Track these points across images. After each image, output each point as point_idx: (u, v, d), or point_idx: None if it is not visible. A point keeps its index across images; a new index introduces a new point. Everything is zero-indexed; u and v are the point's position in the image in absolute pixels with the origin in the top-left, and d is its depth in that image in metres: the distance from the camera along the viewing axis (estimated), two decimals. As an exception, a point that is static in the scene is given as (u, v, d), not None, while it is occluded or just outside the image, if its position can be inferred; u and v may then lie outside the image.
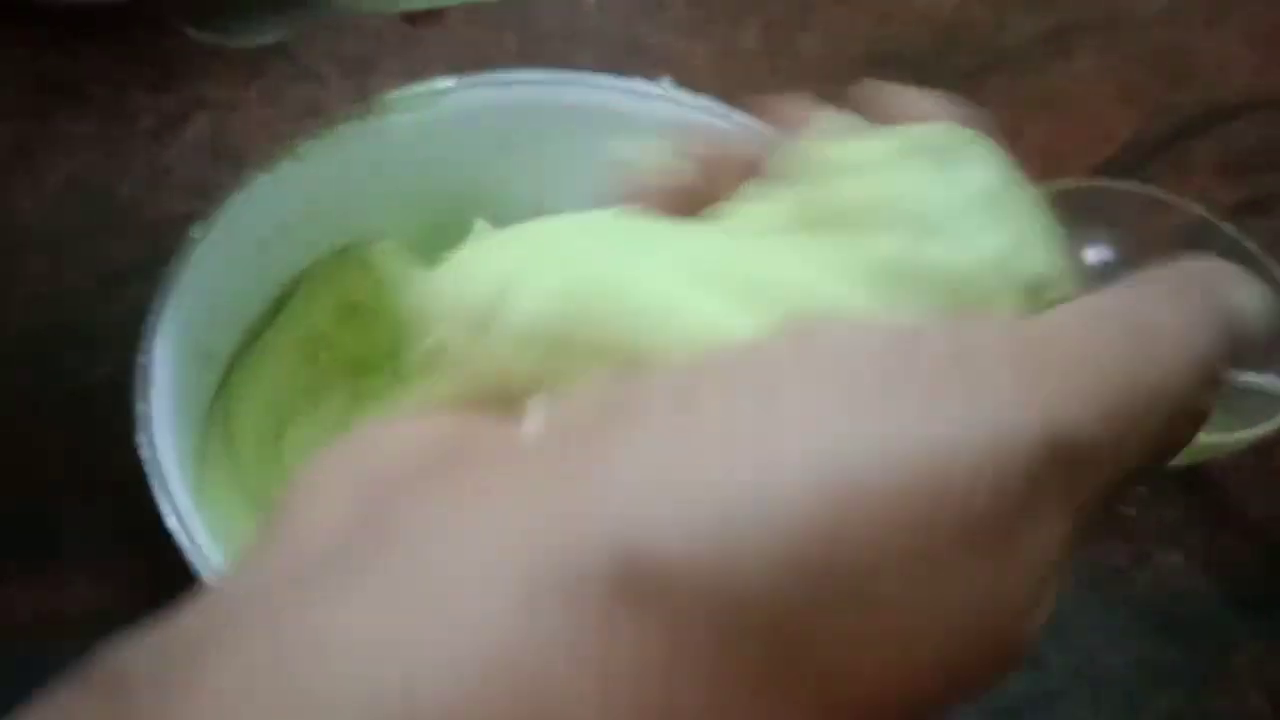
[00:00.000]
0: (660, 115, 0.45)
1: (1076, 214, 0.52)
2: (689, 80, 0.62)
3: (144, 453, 0.34)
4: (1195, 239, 0.51)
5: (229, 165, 0.54)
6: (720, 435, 0.14)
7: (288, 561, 0.15)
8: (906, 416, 0.14)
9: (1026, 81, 0.66)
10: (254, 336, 0.43)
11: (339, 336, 0.43)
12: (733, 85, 0.62)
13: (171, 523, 0.32)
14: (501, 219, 0.45)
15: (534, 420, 0.15)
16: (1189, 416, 0.17)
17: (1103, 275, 0.53)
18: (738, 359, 0.15)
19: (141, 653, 0.14)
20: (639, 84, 0.45)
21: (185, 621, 0.14)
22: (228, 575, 0.18)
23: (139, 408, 0.35)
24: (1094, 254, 0.53)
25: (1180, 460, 0.36)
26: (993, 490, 0.14)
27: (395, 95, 0.43)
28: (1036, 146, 0.62)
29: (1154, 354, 0.16)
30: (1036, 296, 0.20)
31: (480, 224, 0.45)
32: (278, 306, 0.44)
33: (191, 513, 0.33)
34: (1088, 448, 0.15)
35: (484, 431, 0.16)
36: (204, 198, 0.52)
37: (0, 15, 0.59)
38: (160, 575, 0.40)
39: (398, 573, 0.13)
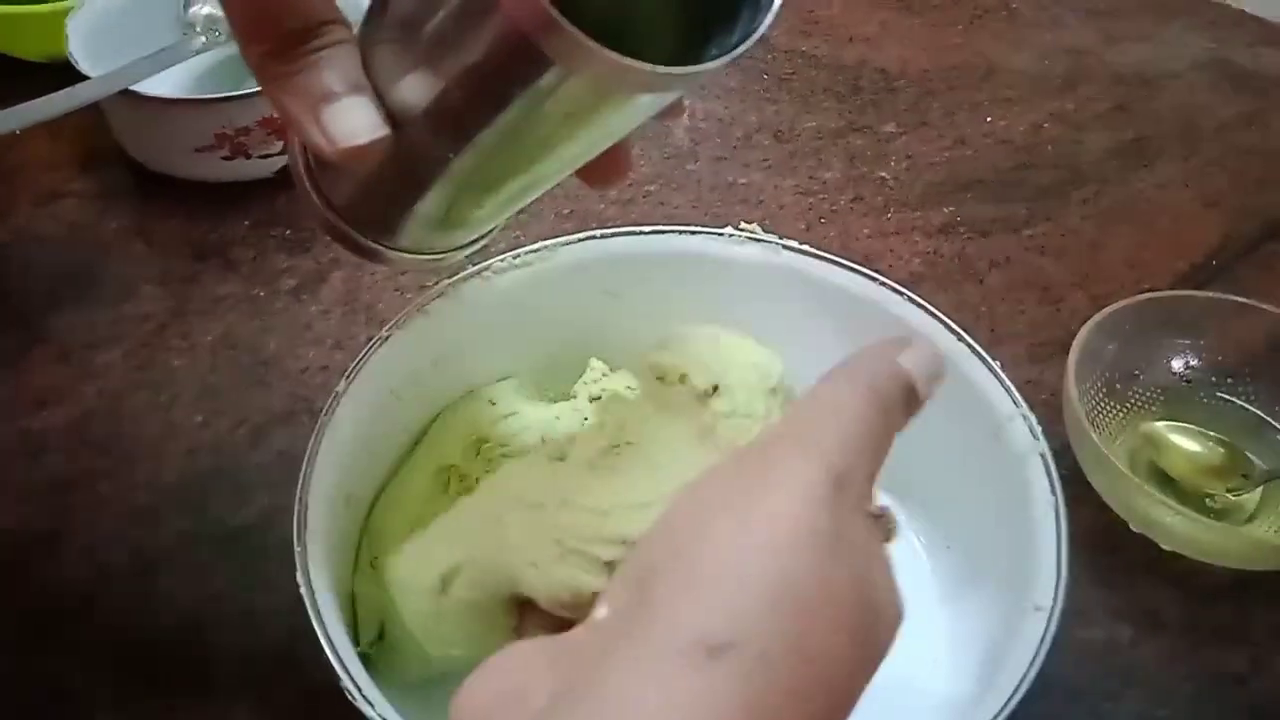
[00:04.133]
0: (749, 258, 0.48)
1: (1162, 324, 0.53)
2: (776, 214, 0.66)
3: (303, 590, 0.36)
4: (1282, 343, 0.52)
5: (363, 319, 0.59)
6: (712, 576, 0.23)
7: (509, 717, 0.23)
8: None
9: (1107, 194, 0.68)
10: (392, 474, 0.46)
11: (468, 467, 0.46)
12: (819, 218, 0.66)
13: (330, 655, 0.35)
14: (610, 354, 0.49)
15: (601, 612, 0.25)
16: (887, 435, 0.27)
17: (1191, 383, 0.54)
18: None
19: None
20: (728, 231, 0.48)
21: None
22: None
23: (297, 549, 0.37)
24: (1180, 362, 0.54)
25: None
26: (824, 512, 0.24)
27: (510, 255, 0.47)
28: (1121, 258, 0.64)
29: (849, 414, 0.27)
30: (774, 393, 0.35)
31: (594, 361, 0.49)
32: (412, 446, 0.47)
33: (347, 646, 0.36)
34: (846, 471, 0.25)
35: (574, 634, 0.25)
36: (341, 350, 0.57)
37: (157, 190, 0.66)
38: (315, 704, 0.43)
39: (593, 704, 0.22)
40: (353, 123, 0.29)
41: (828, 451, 0.25)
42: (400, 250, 0.36)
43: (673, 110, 0.32)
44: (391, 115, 0.29)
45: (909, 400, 0.28)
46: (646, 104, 0.28)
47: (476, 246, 0.38)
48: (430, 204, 0.33)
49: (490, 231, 0.38)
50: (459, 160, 0.30)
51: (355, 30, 0.30)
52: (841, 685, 0.23)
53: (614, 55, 0.24)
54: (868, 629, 0.24)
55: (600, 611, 0.24)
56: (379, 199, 0.34)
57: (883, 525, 0.29)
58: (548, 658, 0.24)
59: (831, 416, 0.26)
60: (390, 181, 0.32)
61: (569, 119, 0.28)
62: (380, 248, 0.35)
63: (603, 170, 0.34)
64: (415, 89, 0.29)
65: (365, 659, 0.41)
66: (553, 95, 0.26)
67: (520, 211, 0.38)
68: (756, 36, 0.27)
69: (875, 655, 0.25)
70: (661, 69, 0.25)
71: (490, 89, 0.27)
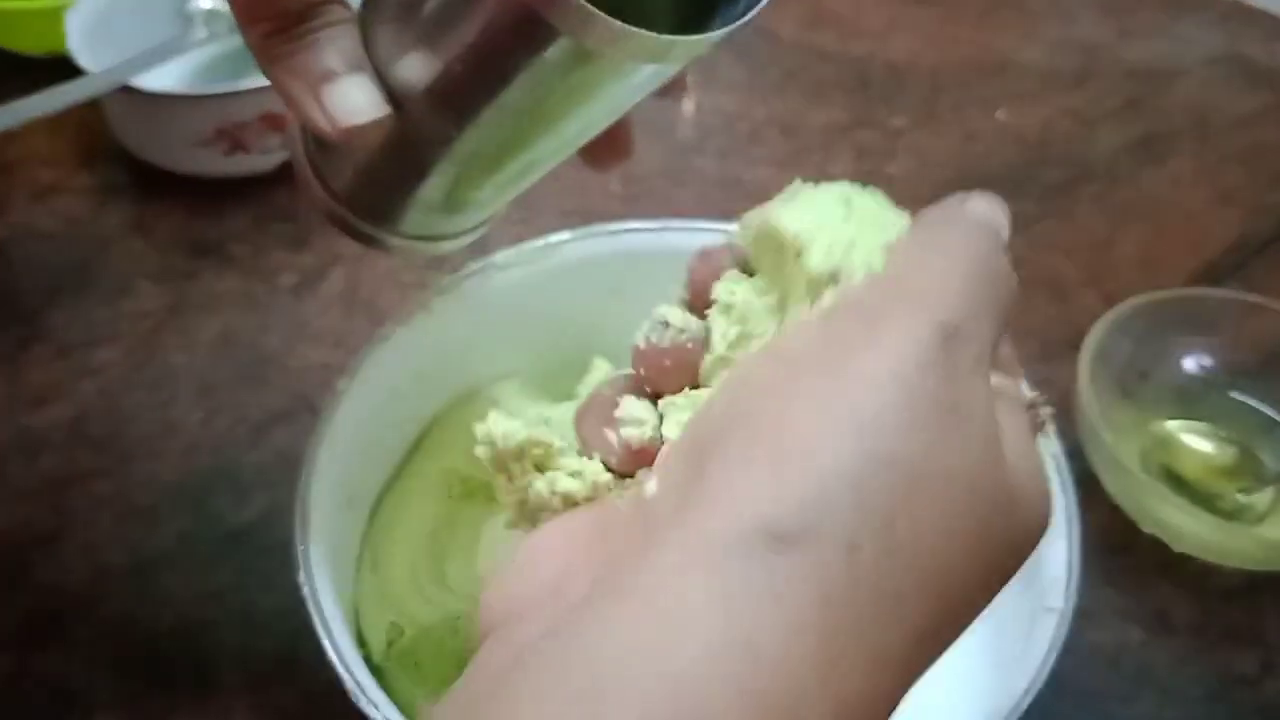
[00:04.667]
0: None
1: (1175, 323, 0.53)
2: (785, 210, 0.65)
3: (304, 590, 0.36)
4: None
5: (363, 316, 0.58)
6: (785, 449, 0.19)
7: (541, 615, 0.20)
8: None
9: (1119, 190, 0.67)
10: (394, 475, 0.46)
11: (471, 469, 0.46)
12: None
13: (331, 655, 0.34)
14: (615, 354, 0.48)
15: (651, 486, 0.21)
16: (1008, 285, 0.23)
17: (1204, 383, 0.53)
18: (758, 402, 0.21)
19: (449, 705, 0.19)
20: (734, 227, 0.48)
21: (473, 672, 0.20)
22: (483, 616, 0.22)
23: (298, 549, 0.37)
24: (1192, 361, 0.53)
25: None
26: (934, 374, 0.20)
27: (513, 251, 0.47)
28: (1132, 255, 0.63)
29: (962, 258, 0.22)
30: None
31: (598, 361, 0.48)
32: (414, 446, 0.47)
33: (349, 646, 0.35)
34: (962, 325, 0.21)
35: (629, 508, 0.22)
36: (341, 347, 0.57)
37: (155, 186, 0.65)
38: (315, 704, 0.43)
39: (631, 602, 0.19)
40: (354, 101, 0.29)
41: (937, 302, 0.21)
42: (401, 236, 0.35)
43: (675, 87, 0.31)
44: (392, 95, 0.29)
45: (1005, 252, 0.24)
46: (649, 76, 0.28)
47: (477, 234, 0.38)
48: (431, 186, 0.32)
49: (490, 218, 0.38)
50: (460, 139, 0.30)
51: (354, 10, 0.30)
52: (955, 586, 0.19)
53: (617, 23, 0.25)
54: (994, 519, 0.20)
55: (650, 485, 0.21)
56: (380, 183, 0.33)
57: (1031, 415, 0.23)
58: (587, 539, 0.21)
59: (939, 260, 0.22)
60: (391, 164, 0.32)
61: (571, 92, 0.28)
62: (381, 234, 0.35)
63: (605, 151, 0.34)
64: (416, 67, 0.28)
65: (377, 671, 0.40)
66: (555, 67, 0.26)
67: (521, 206, 0.37)
68: (760, 8, 0.27)
69: (1007, 553, 0.21)
70: (665, 37, 0.25)
71: (492, 63, 0.27)
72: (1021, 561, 0.21)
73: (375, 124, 0.29)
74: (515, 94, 0.27)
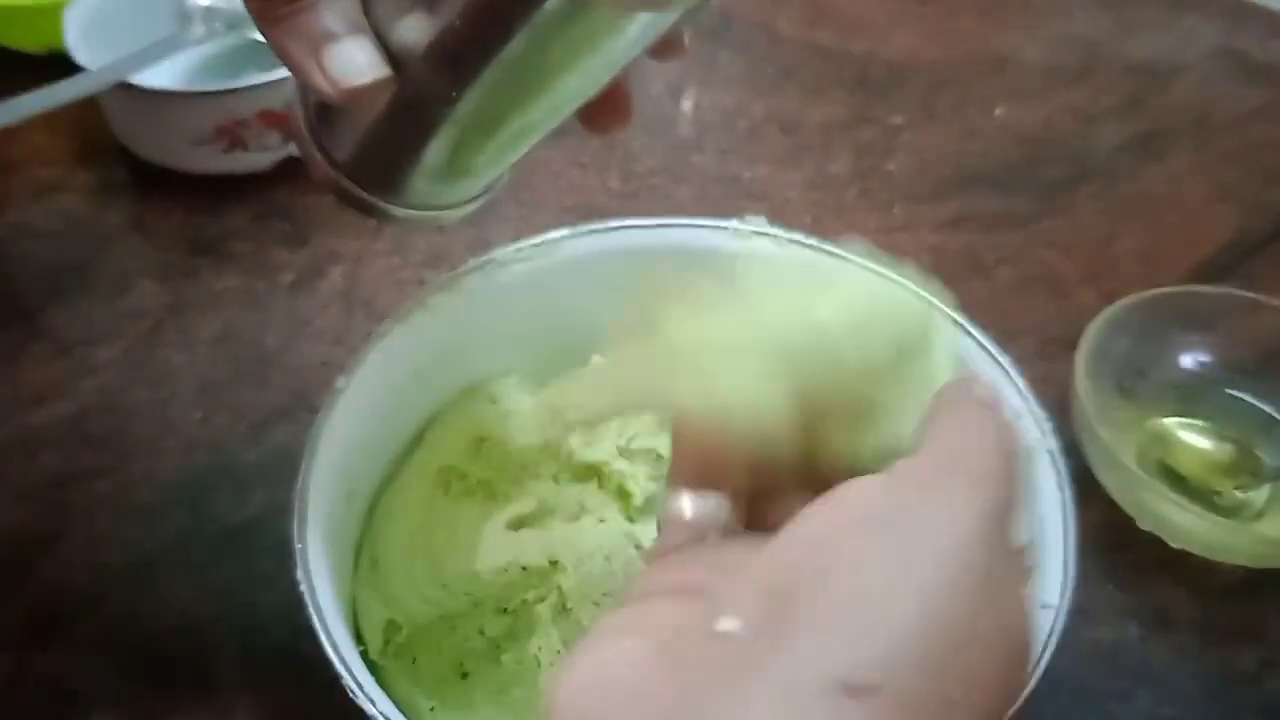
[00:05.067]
0: (755, 251, 0.48)
1: (1173, 320, 0.53)
2: (783, 208, 0.65)
3: (303, 588, 0.36)
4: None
5: (362, 313, 0.58)
6: (860, 610, 0.22)
7: None
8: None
9: (1118, 188, 0.67)
10: (393, 473, 0.46)
11: (469, 467, 0.46)
12: (825, 212, 0.65)
13: (329, 653, 0.34)
14: (611, 352, 0.48)
15: (729, 623, 0.23)
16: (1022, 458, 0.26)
17: (1202, 380, 0.53)
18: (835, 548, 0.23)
19: None
20: (734, 224, 0.48)
21: None
22: None
23: (296, 546, 0.37)
24: (1190, 359, 0.53)
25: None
26: (984, 549, 0.23)
27: (512, 248, 0.47)
28: (1131, 253, 0.63)
29: (994, 439, 0.25)
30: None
31: (596, 358, 0.48)
32: (413, 443, 0.47)
33: (348, 643, 0.35)
34: (1005, 503, 0.24)
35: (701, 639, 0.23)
36: (341, 345, 0.57)
37: (155, 184, 0.65)
38: (316, 701, 0.43)
39: None
40: (355, 62, 0.29)
41: (988, 482, 0.24)
42: (404, 206, 0.35)
43: (673, 47, 0.32)
44: (392, 57, 0.29)
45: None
46: (645, 26, 0.29)
47: (479, 203, 0.38)
48: (433, 151, 0.32)
49: (492, 186, 0.38)
50: (461, 99, 0.30)
51: None
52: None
53: None
54: (1008, 672, 0.23)
55: (727, 624, 0.22)
56: (382, 150, 0.34)
57: (1023, 561, 0.26)
58: (662, 664, 0.22)
59: (979, 441, 0.25)
60: (392, 130, 0.32)
61: (570, 45, 0.28)
62: (384, 204, 0.35)
63: (604, 114, 0.34)
64: (415, 26, 0.29)
65: (375, 668, 0.40)
66: (554, 19, 0.27)
67: (520, 203, 0.37)
68: None
69: (1012, 699, 0.23)
70: None
71: (492, 18, 0.27)
72: (1019, 699, 0.24)
73: (376, 85, 0.29)
74: (515, 50, 0.28)
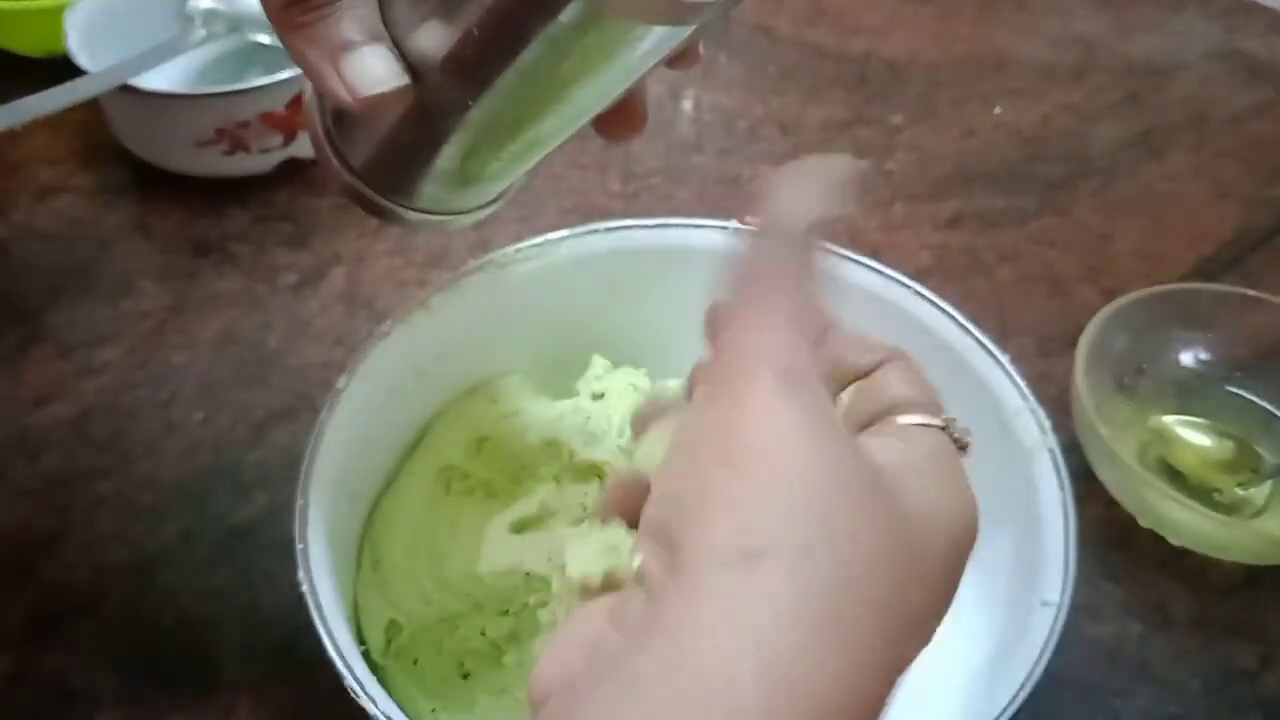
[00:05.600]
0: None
1: (1172, 317, 0.53)
2: (784, 207, 0.65)
3: (304, 588, 0.36)
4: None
5: (363, 314, 0.58)
6: (731, 499, 0.23)
7: (586, 674, 0.23)
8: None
9: (1118, 186, 0.67)
10: (394, 473, 0.46)
11: (469, 466, 0.46)
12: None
13: (330, 652, 0.34)
14: (613, 351, 0.48)
15: (637, 559, 0.25)
16: (795, 294, 0.26)
17: (1202, 377, 0.53)
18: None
19: None
20: (730, 224, 0.48)
21: None
22: None
23: (298, 546, 0.37)
24: (1190, 356, 0.53)
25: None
26: (788, 408, 0.24)
27: (513, 249, 0.47)
28: (1131, 250, 0.63)
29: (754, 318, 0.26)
30: None
31: (596, 358, 0.48)
32: (414, 443, 0.47)
33: (349, 643, 0.35)
34: (786, 367, 0.24)
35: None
36: (342, 346, 0.57)
37: (156, 186, 0.66)
38: (317, 699, 0.43)
39: (657, 637, 0.22)
40: (372, 71, 0.29)
41: (763, 360, 0.25)
42: (418, 211, 0.36)
43: (688, 56, 0.32)
44: (409, 65, 0.29)
45: (806, 245, 0.27)
46: (663, 38, 0.28)
47: (492, 209, 0.38)
48: (448, 158, 0.33)
49: (505, 194, 0.38)
50: (477, 107, 0.30)
51: None
52: (898, 580, 0.23)
53: None
54: (896, 513, 0.24)
55: (639, 560, 0.24)
56: (397, 155, 0.34)
57: (949, 435, 0.27)
58: (610, 612, 0.24)
59: (755, 318, 0.26)
60: (408, 135, 0.32)
61: (586, 56, 0.28)
62: (398, 208, 0.35)
63: (618, 122, 0.34)
64: (433, 35, 0.29)
65: (377, 669, 0.40)
66: (570, 30, 0.27)
67: (521, 205, 0.38)
68: None
69: (929, 550, 0.24)
70: None
71: (509, 28, 0.27)
72: (948, 558, 0.24)
73: (394, 93, 0.29)
74: (531, 59, 0.28)
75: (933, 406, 0.27)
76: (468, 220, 0.37)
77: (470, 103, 0.30)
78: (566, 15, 0.26)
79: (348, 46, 0.29)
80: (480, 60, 0.28)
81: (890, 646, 0.22)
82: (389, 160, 0.34)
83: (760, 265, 0.27)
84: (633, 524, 0.28)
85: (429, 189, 0.35)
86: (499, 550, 0.44)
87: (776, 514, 0.22)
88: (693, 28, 0.29)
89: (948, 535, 0.25)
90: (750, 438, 0.23)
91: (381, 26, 0.29)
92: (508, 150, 0.33)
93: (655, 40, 0.28)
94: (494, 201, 0.38)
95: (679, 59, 0.31)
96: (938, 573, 0.24)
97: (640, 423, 0.31)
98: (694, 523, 0.23)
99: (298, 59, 0.30)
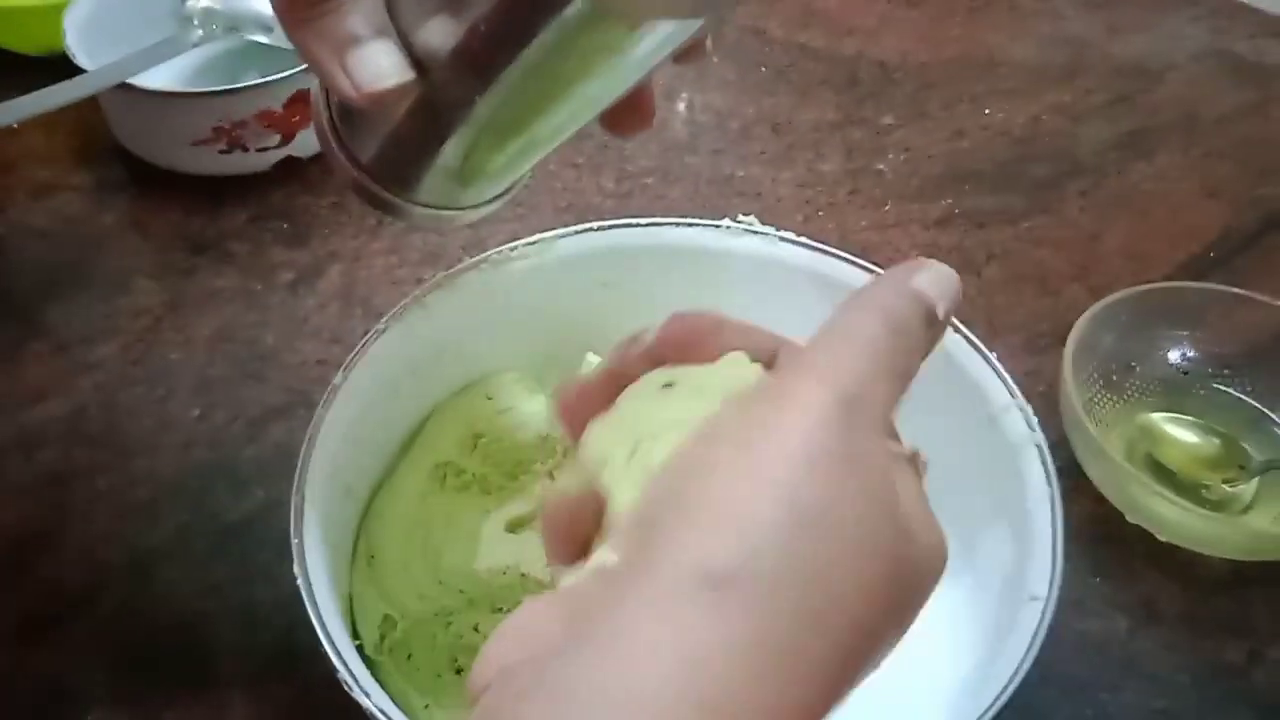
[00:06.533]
0: (744, 249, 0.48)
1: (1160, 316, 0.53)
2: (774, 206, 0.66)
3: (300, 583, 0.36)
4: (1281, 334, 0.52)
5: (359, 312, 0.59)
6: (715, 512, 0.22)
7: (526, 671, 0.22)
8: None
9: (1107, 185, 0.68)
10: (390, 469, 0.46)
11: (465, 462, 0.46)
12: (816, 210, 0.66)
13: (325, 647, 0.35)
14: (606, 348, 0.48)
15: (607, 557, 0.24)
16: (907, 358, 0.26)
17: (1189, 375, 0.53)
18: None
19: None
20: (724, 223, 0.48)
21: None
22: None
23: (294, 542, 0.37)
24: (1177, 354, 0.54)
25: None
26: (834, 433, 0.23)
27: (508, 247, 0.47)
28: (1119, 249, 0.64)
29: (861, 338, 0.25)
30: None
31: (589, 356, 0.49)
32: (410, 440, 0.47)
33: (344, 638, 0.36)
34: (859, 393, 0.24)
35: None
36: (338, 343, 0.57)
37: (153, 184, 0.66)
38: (313, 694, 0.44)
39: (599, 646, 0.21)
40: (379, 66, 0.29)
41: (838, 375, 0.24)
42: (424, 205, 0.36)
43: (694, 51, 0.32)
44: (415, 60, 0.30)
45: (928, 322, 0.26)
46: (669, 35, 0.29)
47: (498, 204, 0.38)
48: (454, 153, 0.33)
49: (511, 189, 0.38)
50: (483, 103, 0.30)
51: None
52: (867, 616, 0.22)
53: None
54: (897, 555, 0.23)
55: (609, 557, 0.24)
56: (403, 150, 0.34)
57: (913, 463, 0.26)
58: (561, 610, 0.24)
59: (842, 342, 0.25)
60: (415, 130, 0.32)
61: (591, 52, 0.28)
62: (404, 203, 0.35)
63: (626, 117, 0.34)
64: (439, 30, 0.29)
65: (371, 664, 0.41)
66: (575, 26, 0.27)
67: (516, 203, 0.38)
68: None
69: (912, 587, 0.23)
70: None
71: (516, 22, 0.27)
72: (925, 589, 0.24)
73: (399, 88, 0.29)
74: (537, 55, 0.28)
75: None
76: (472, 216, 0.38)
77: (476, 98, 0.30)
78: (570, 11, 0.26)
79: (354, 41, 0.29)
80: (486, 55, 0.28)
81: (836, 687, 0.22)
82: (394, 155, 0.34)
83: (882, 313, 0.26)
84: (582, 553, 0.26)
85: (434, 184, 0.35)
86: (494, 548, 0.44)
87: (759, 540, 0.22)
88: (697, 25, 0.29)
89: (933, 576, 0.24)
90: (772, 453, 0.23)
91: (388, 21, 0.30)
92: (513, 145, 0.33)
93: (660, 36, 0.28)
94: (498, 197, 0.38)
95: (686, 53, 0.31)
96: (910, 613, 0.24)
97: (570, 415, 0.30)
98: (677, 528, 0.22)
99: (304, 53, 0.30)
